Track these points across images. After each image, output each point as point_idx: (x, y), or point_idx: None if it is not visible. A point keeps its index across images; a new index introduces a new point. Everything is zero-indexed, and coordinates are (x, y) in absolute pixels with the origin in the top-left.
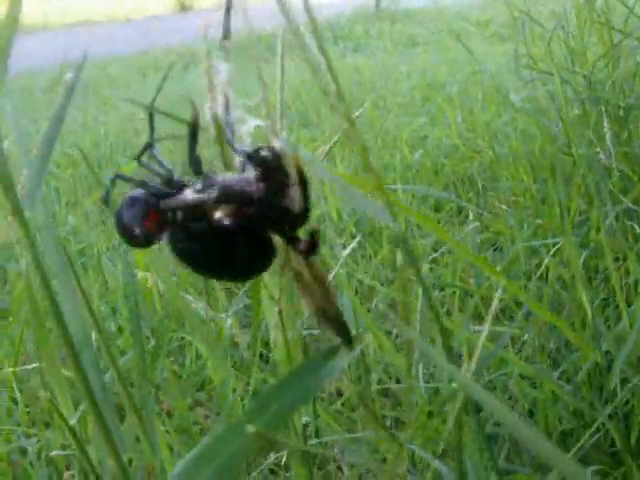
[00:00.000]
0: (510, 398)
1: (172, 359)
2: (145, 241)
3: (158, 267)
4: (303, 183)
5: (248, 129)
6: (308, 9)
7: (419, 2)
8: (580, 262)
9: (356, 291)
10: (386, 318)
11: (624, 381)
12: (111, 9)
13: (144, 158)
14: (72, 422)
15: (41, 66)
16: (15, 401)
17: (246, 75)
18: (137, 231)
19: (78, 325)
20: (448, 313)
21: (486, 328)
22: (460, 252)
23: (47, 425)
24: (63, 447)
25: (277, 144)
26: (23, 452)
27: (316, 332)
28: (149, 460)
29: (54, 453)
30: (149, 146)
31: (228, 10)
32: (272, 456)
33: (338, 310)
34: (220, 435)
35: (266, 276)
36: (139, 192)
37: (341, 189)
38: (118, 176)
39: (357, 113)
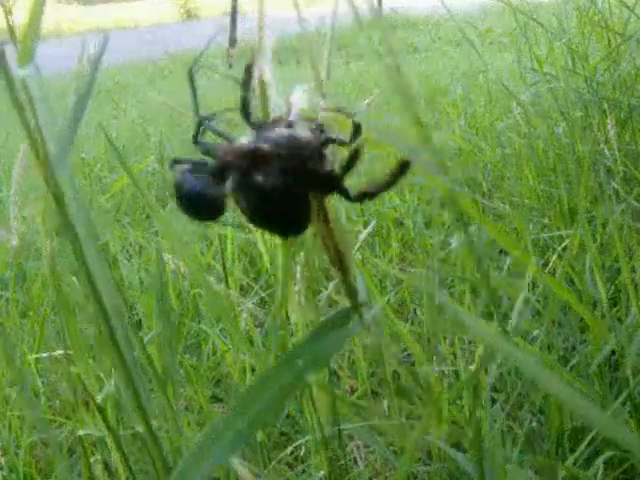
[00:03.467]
0: (520, 394)
1: (188, 356)
2: (210, 212)
3: (181, 252)
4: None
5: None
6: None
7: (419, 10)
8: (593, 254)
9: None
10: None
11: (635, 374)
12: (120, 17)
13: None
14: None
15: (53, 73)
16: (37, 393)
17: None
18: (202, 201)
19: (113, 305)
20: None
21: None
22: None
23: (68, 418)
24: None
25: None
26: (45, 443)
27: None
28: (173, 430)
29: (82, 432)
30: (203, 121)
31: (234, 19)
32: (289, 449)
33: (351, 279)
34: (271, 370)
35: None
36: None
37: (390, 139)
38: (175, 161)
39: (366, 101)
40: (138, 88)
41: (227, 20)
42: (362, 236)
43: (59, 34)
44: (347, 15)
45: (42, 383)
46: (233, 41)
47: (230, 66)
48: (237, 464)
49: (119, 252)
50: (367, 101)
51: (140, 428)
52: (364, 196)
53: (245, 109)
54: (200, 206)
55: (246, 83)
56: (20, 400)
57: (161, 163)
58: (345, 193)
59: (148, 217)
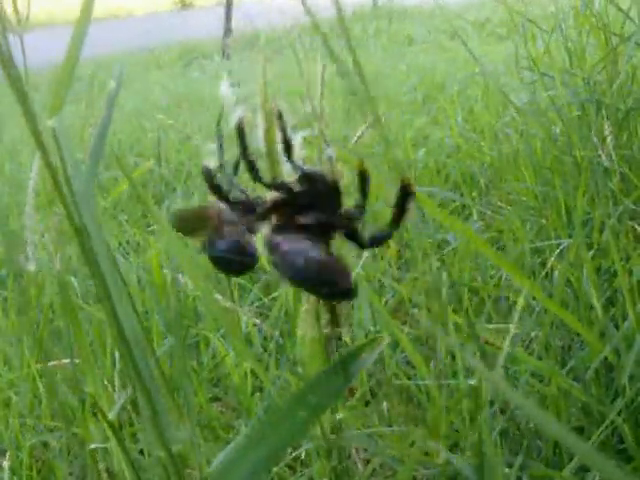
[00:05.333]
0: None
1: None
2: (241, 269)
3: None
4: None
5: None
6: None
7: (416, 1)
8: (587, 262)
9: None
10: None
11: (632, 378)
12: (114, 6)
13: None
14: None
15: (45, 62)
16: (37, 397)
17: (251, 71)
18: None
19: (125, 313)
20: (454, 311)
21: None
22: (469, 240)
23: (69, 422)
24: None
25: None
26: (45, 446)
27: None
28: (187, 449)
29: (93, 446)
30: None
31: (229, 8)
32: (290, 453)
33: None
34: (268, 419)
35: None
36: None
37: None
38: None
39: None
40: (133, 79)
41: (222, 10)
42: (365, 254)
43: (51, 23)
44: (346, 4)
45: (43, 386)
46: (228, 31)
47: (225, 56)
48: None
49: (116, 249)
50: (358, 135)
51: (161, 453)
52: (378, 241)
53: (252, 170)
54: (231, 266)
55: (242, 144)
56: (21, 403)
57: (158, 161)
58: (360, 239)
59: (145, 216)
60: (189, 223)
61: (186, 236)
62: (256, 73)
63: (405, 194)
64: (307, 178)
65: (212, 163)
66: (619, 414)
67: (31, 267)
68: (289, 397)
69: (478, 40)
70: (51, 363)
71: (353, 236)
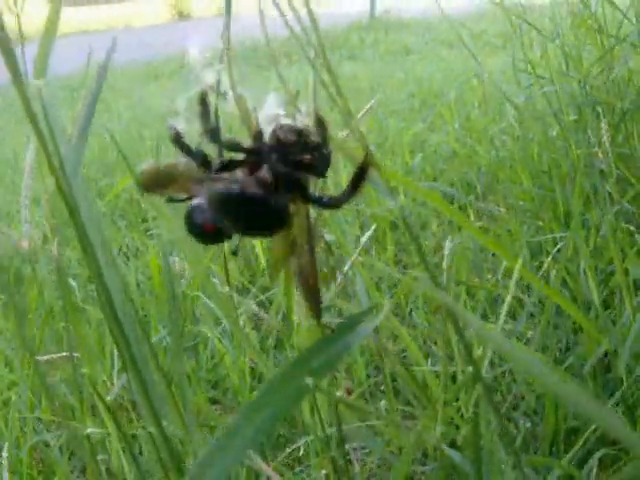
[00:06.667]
0: (515, 395)
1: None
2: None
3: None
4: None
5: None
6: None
7: (412, 12)
8: (586, 257)
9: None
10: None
11: (628, 374)
12: (110, 19)
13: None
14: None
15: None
16: (37, 395)
17: (249, 82)
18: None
19: (121, 304)
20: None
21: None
22: (469, 231)
23: (68, 419)
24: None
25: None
26: (46, 445)
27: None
28: (181, 428)
29: (89, 431)
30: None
31: (227, 20)
32: (287, 450)
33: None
34: (274, 384)
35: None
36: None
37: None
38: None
39: (365, 109)
40: (131, 90)
41: (220, 21)
42: (363, 239)
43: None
44: (343, 16)
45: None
46: (226, 41)
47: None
48: (254, 460)
49: (115, 254)
50: (367, 108)
51: (152, 429)
52: (335, 203)
53: (215, 138)
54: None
55: (204, 113)
56: (20, 402)
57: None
58: (319, 200)
59: (145, 221)
60: (157, 180)
61: (152, 193)
62: (253, 83)
63: (362, 170)
64: (276, 133)
65: (179, 124)
66: (617, 405)
67: (24, 245)
68: (290, 361)
69: (475, 50)
70: (44, 357)
71: (310, 195)
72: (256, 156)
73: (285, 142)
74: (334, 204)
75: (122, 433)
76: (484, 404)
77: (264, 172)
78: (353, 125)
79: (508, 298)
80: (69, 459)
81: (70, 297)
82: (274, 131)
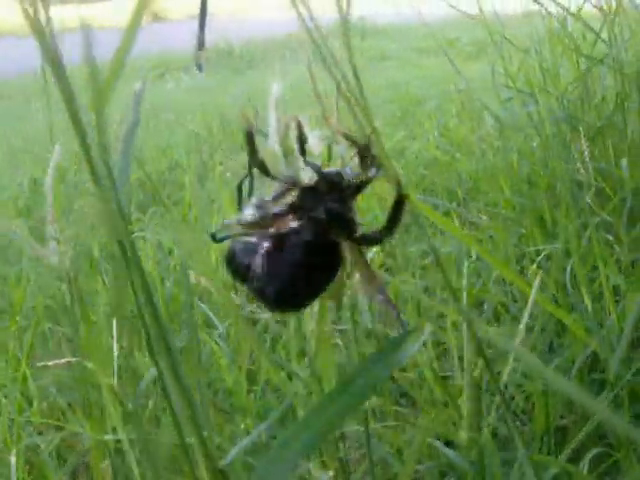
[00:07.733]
0: (504, 396)
1: None
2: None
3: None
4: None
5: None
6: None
7: (388, 17)
8: (575, 261)
9: None
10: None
11: (618, 376)
12: (86, 18)
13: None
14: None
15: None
16: (28, 398)
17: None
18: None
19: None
20: (441, 316)
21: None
22: (457, 236)
23: (59, 428)
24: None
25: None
26: (35, 449)
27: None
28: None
29: (107, 437)
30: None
31: (202, 21)
32: None
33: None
34: (314, 409)
35: None
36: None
37: None
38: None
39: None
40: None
41: (195, 23)
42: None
43: (19, 33)
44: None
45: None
46: (201, 44)
47: (198, 68)
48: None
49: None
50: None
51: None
52: (379, 239)
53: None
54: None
55: (252, 151)
56: (10, 404)
57: (139, 169)
58: (364, 237)
59: (138, 220)
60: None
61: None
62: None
63: (399, 204)
64: (324, 178)
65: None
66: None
67: (54, 260)
68: (339, 382)
69: (449, 57)
70: (50, 362)
71: (351, 234)
72: (311, 197)
73: (341, 185)
74: (377, 240)
75: (145, 440)
76: (481, 405)
77: (319, 212)
78: (384, 159)
79: (490, 298)
80: (59, 463)
81: (83, 303)
82: (329, 174)
